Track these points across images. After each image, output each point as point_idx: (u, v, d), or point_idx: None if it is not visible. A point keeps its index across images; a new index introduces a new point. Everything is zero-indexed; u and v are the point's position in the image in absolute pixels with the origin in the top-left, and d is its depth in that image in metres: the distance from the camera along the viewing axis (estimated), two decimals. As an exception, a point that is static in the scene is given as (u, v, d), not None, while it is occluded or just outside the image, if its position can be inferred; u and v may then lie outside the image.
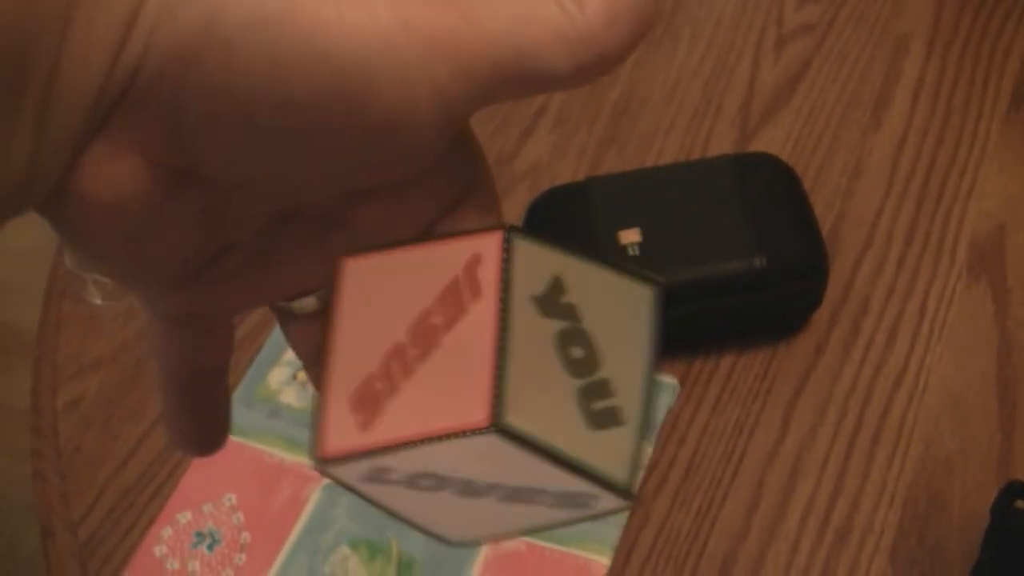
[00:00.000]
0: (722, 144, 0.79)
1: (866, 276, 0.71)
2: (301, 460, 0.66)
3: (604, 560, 0.60)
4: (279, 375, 0.70)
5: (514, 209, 0.75)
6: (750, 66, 0.84)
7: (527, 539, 0.61)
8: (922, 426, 0.64)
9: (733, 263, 0.65)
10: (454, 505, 0.29)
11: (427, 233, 0.31)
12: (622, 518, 0.61)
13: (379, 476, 0.28)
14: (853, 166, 0.77)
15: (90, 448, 0.69)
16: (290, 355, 0.70)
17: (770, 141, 0.79)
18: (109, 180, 0.27)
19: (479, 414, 0.27)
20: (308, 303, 0.33)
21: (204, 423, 0.36)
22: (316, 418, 0.28)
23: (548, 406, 0.27)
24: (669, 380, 0.67)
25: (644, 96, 0.83)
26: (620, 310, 0.28)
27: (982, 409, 0.65)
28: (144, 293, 0.32)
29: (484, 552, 0.61)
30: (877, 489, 0.62)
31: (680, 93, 0.83)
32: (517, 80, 0.27)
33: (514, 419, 0.27)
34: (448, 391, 0.28)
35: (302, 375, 0.69)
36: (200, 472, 0.66)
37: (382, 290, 0.29)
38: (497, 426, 0.26)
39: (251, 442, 0.67)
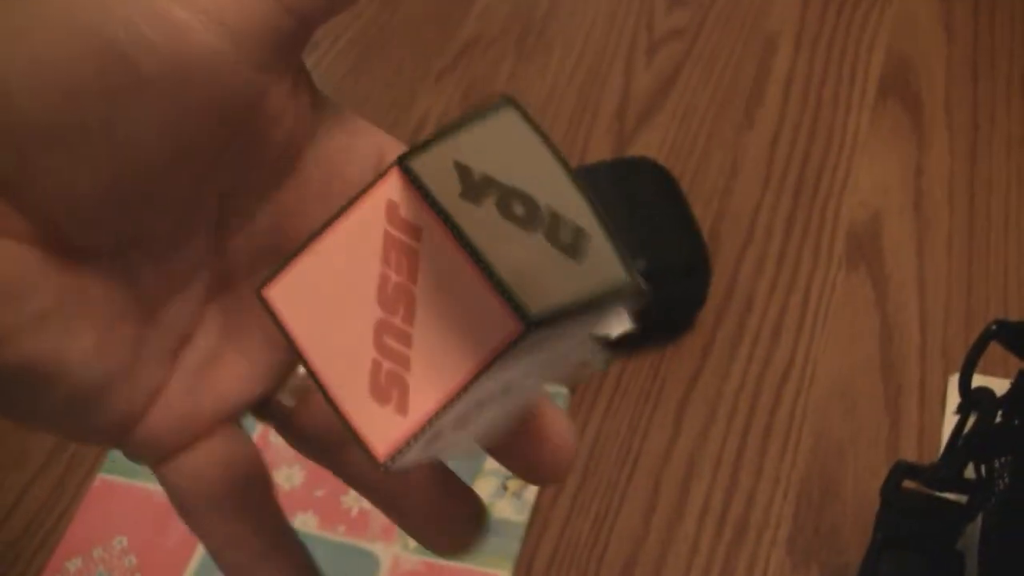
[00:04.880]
0: (600, 150, 0.79)
1: (748, 272, 0.72)
2: (192, 496, 0.64)
3: (504, 573, 0.60)
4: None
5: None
6: (623, 72, 0.85)
7: (425, 558, 0.60)
8: (812, 417, 0.65)
9: (616, 267, 0.66)
10: (492, 413, 0.29)
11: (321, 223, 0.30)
12: (520, 529, 0.61)
13: (434, 439, 0.27)
14: (729, 165, 0.78)
15: (-29, 501, 0.67)
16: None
17: (647, 145, 0.79)
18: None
19: (507, 326, 0.26)
20: (299, 379, 0.31)
21: (276, 556, 0.31)
22: (350, 433, 0.27)
23: (542, 271, 0.27)
24: (558, 388, 0.67)
25: (520, 108, 0.83)
26: (510, 145, 0.27)
27: (869, 395, 0.65)
28: (116, 438, 0.29)
29: (382, 574, 0.61)
30: (771, 483, 0.62)
31: (555, 102, 0.83)
32: None
33: (536, 307, 0.26)
34: (458, 328, 0.27)
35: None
36: (88, 517, 0.64)
37: (324, 291, 0.28)
38: (529, 323, 0.26)
39: (139, 481, 0.65)
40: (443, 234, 0.27)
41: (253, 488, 0.30)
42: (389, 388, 0.27)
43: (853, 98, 0.81)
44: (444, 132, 0.27)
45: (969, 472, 0.52)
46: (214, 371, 0.30)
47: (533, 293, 0.27)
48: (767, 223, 0.74)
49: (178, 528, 0.63)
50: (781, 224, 0.74)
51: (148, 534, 0.64)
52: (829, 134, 0.79)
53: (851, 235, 0.73)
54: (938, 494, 0.53)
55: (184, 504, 0.30)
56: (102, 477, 0.65)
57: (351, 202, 0.28)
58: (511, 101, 0.26)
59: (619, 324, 0.28)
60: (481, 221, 0.27)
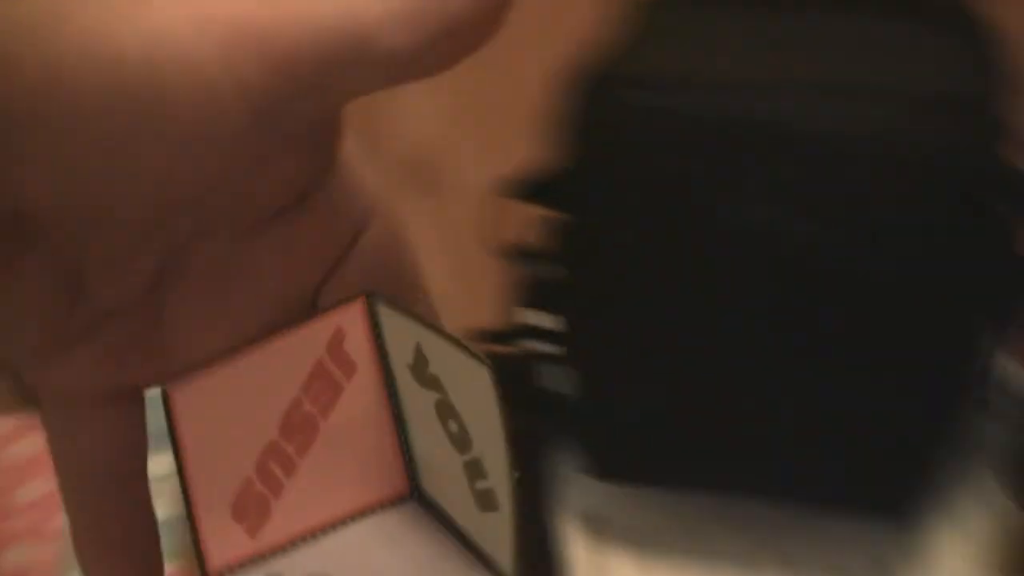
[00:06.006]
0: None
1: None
2: None
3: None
4: None
5: None
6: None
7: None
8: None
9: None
10: None
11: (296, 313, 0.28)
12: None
13: None
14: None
15: None
16: None
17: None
18: None
19: (395, 484, 0.25)
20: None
21: (133, 547, 0.29)
22: (193, 538, 0.26)
23: (447, 480, 0.26)
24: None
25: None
26: (470, 386, 0.27)
27: (449, 309, 0.69)
28: (13, 369, 0.27)
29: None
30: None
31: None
32: (344, 65, 0.24)
33: (429, 487, 0.25)
34: (345, 474, 0.26)
35: None
36: None
37: (232, 401, 0.27)
38: (417, 493, 0.25)
39: None
40: (375, 382, 0.26)
41: (132, 471, 0.29)
42: (251, 508, 0.26)
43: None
44: (421, 319, 0.26)
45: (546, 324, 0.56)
46: (139, 348, 0.28)
47: (433, 481, 0.26)
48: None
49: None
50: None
51: None
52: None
53: (407, 162, 0.77)
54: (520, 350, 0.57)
55: (63, 468, 0.29)
56: None
57: (305, 321, 0.27)
58: (492, 367, 0.26)
59: None
60: (416, 401, 0.26)
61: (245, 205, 0.26)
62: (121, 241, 0.25)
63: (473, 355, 0.26)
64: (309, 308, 0.28)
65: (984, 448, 0.59)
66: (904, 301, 0.50)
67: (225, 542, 0.26)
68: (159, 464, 0.32)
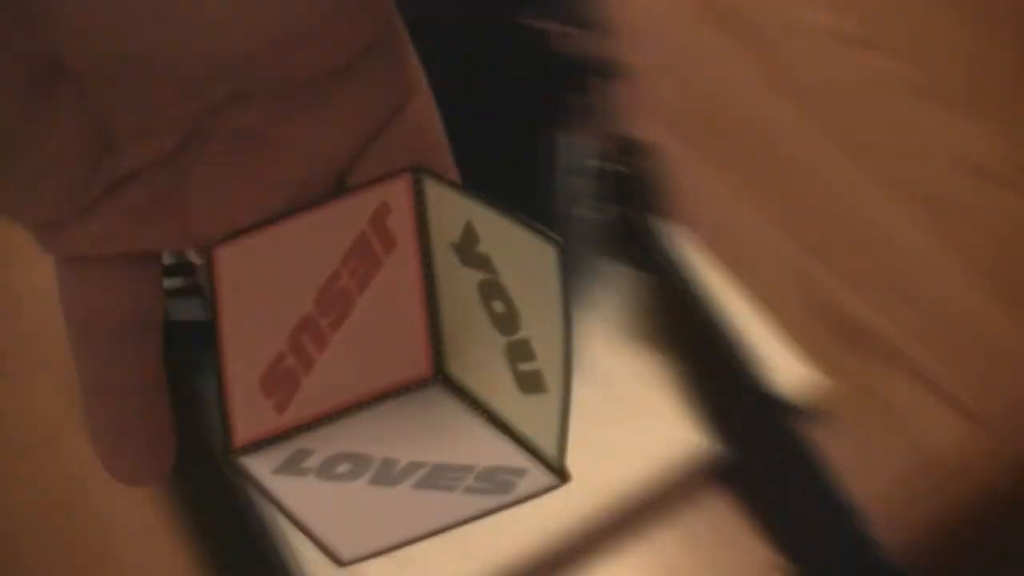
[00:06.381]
0: None
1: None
2: None
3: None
4: None
5: None
6: None
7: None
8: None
9: None
10: (363, 503, 0.27)
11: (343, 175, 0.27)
12: None
13: (295, 464, 0.26)
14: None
15: None
16: None
17: None
18: None
19: (419, 366, 0.24)
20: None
21: (143, 419, 0.28)
22: (221, 411, 0.26)
23: (483, 362, 0.25)
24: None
25: None
26: (528, 265, 0.27)
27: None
28: (35, 226, 0.26)
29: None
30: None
31: None
32: None
33: (456, 370, 0.24)
34: (375, 352, 0.25)
35: None
36: None
37: (273, 267, 0.26)
38: (440, 377, 0.24)
39: None
40: (413, 259, 0.25)
41: (145, 331, 0.29)
42: (281, 383, 0.25)
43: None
44: (479, 195, 0.26)
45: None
46: (162, 210, 0.27)
47: (463, 364, 0.25)
48: None
49: None
50: None
51: None
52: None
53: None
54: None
55: (73, 322, 0.28)
56: None
57: (349, 191, 0.27)
58: (560, 244, 0.26)
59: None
60: (455, 281, 0.26)
61: (290, 71, 0.26)
62: (158, 99, 0.25)
63: (537, 231, 0.26)
64: (334, 189, 0.28)
65: (585, 228, 0.62)
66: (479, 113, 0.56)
67: (253, 417, 0.25)
68: None
